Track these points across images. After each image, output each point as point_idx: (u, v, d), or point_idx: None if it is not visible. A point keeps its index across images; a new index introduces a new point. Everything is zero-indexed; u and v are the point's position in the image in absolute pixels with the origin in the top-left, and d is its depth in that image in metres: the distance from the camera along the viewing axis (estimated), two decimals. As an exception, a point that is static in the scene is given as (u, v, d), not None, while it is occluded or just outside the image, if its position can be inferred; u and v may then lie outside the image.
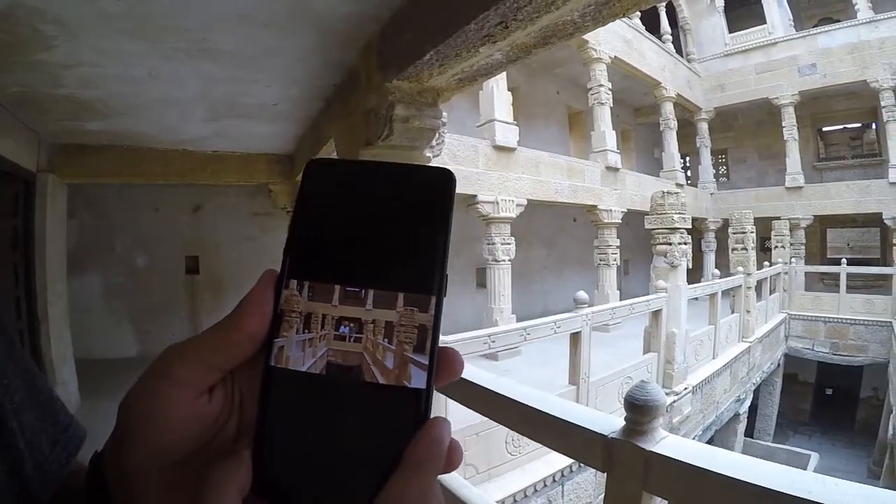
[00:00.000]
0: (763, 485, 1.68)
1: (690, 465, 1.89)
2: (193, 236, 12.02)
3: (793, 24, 22.23)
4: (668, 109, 20.87)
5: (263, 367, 0.46)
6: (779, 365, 17.51)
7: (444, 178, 0.50)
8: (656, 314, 9.19)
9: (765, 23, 22.36)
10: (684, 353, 9.45)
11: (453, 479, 3.83)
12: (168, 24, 3.51)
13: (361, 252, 0.47)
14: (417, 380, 0.44)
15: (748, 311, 13.40)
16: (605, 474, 2.27)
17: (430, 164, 0.66)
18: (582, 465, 6.15)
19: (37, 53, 3.90)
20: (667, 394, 8.75)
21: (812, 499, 1.57)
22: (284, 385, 0.45)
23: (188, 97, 5.25)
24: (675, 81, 21.20)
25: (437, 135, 3.78)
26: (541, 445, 5.50)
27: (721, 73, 23.74)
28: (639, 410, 2.10)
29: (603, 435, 2.21)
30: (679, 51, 23.06)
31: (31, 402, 0.63)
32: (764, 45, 22.33)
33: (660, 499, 2.14)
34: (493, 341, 5.43)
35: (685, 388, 9.27)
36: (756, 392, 15.30)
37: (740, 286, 13.14)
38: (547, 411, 2.54)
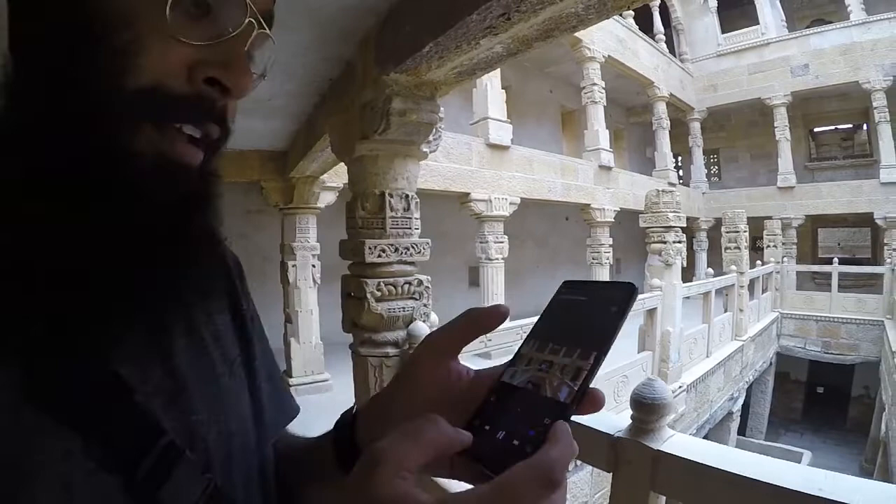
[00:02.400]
0: (775, 483, 1.68)
1: (700, 463, 1.88)
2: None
3: (785, 24, 22.29)
4: (661, 109, 20.88)
5: (497, 379, 0.66)
6: (771, 363, 17.58)
7: (631, 291, 0.66)
8: (651, 313, 9.18)
9: (757, 23, 22.45)
10: (679, 351, 9.44)
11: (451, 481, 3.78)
12: None
13: (566, 330, 0.66)
14: (566, 396, 0.58)
15: (741, 310, 13.40)
16: (610, 474, 2.22)
17: (623, 281, 0.78)
18: (579, 463, 6.10)
19: None
20: (661, 392, 8.81)
21: (823, 496, 1.58)
22: (501, 389, 0.64)
23: (182, 92, 5.16)
24: (668, 81, 21.25)
25: (434, 129, 3.74)
26: (537, 444, 5.47)
27: (713, 74, 23.84)
28: (646, 409, 2.07)
29: (608, 434, 2.18)
30: (672, 51, 23.10)
31: (268, 370, 0.88)
32: (756, 46, 22.43)
33: (665, 498, 2.11)
34: (490, 339, 5.38)
35: (680, 387, 9.26)
36: (749, 390, 15.37)
37: (733, 285, 13.17)
38: None
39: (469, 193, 11.45)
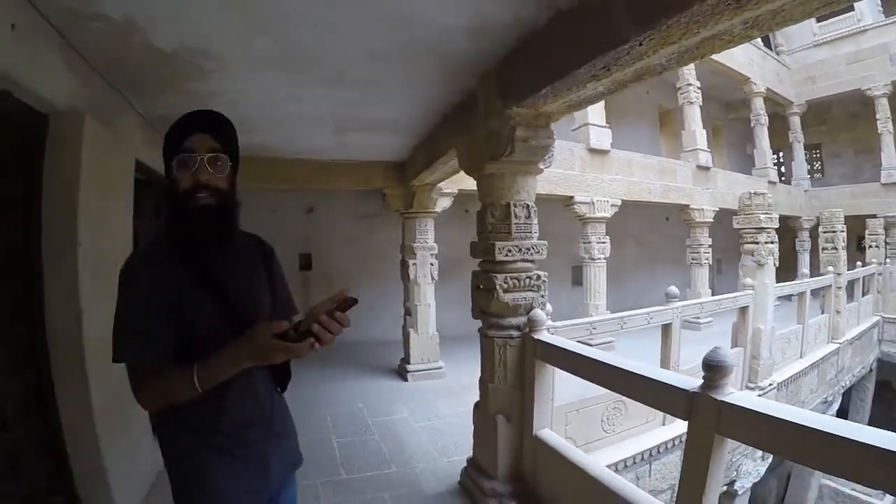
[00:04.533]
0: (809, 425, 2.31)
1: (752, 410, 2.58)
2: (306, 235, 13.06)
3: (881, 10, 20.88)
4: (759, 105, 20.21)
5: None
6: (871, 370, 16.27)
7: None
8: (743, 311, 9.39)
9: (853, 10, 20.91)
10: (770, 349, 9.63)
11: (559, 442, 4.47)
12: (312, 60, 4.18)
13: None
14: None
15: (838, 312, 13.08)
16: (687, 423, 2.98)
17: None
18: (668, 447, 6.63)
19: (193, 84, 4.59)
20: (751, 388, 9.14)
21: (852, 437, 2.13)
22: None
23: (319, 115, 5.94)
24: (764, 76, 20.49)
25: (548, 151, 4.51)
26: (633, 426, 6.14)
27: (810, 65, 22.54)
28: (713, 369, 2.82)
29: (686, 390, 2.95)
30: (767, 43, 22.22)
31: (284, 295, 2.35)
32: (853, 34, 21.13)
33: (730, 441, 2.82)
34: (594, 328, 6.03)
35: (770, 384, 9.48)
36: (846, 396, 14.71)
37: (830, 286, 12.82)
38: (643, 374, 3.33)
39: (573, 196, 11.88)
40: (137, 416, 4.51)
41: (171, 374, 1.80)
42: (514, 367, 4.70)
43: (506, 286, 4.51)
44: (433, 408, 8.07)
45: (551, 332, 4.85)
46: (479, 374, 4.98)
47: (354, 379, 9.73)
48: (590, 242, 12.45)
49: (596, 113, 12.70)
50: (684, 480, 3.01)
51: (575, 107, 4.08)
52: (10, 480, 3.09)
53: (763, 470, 9.13)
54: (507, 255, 4.52)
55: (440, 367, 9.88)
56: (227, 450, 1.99)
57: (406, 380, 9.60)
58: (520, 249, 4.56)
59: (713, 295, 13.90)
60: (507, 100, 4.07)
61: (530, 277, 4.64)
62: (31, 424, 3.39)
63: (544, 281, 4.74)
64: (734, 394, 2.77)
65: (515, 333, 4.67)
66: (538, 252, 4.70)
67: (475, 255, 4.88)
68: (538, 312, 4.63)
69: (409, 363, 9.77)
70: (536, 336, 4.55)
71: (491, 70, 4.28)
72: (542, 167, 4.70)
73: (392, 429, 7.18)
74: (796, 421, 2.35)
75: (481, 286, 4.72)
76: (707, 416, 2.79)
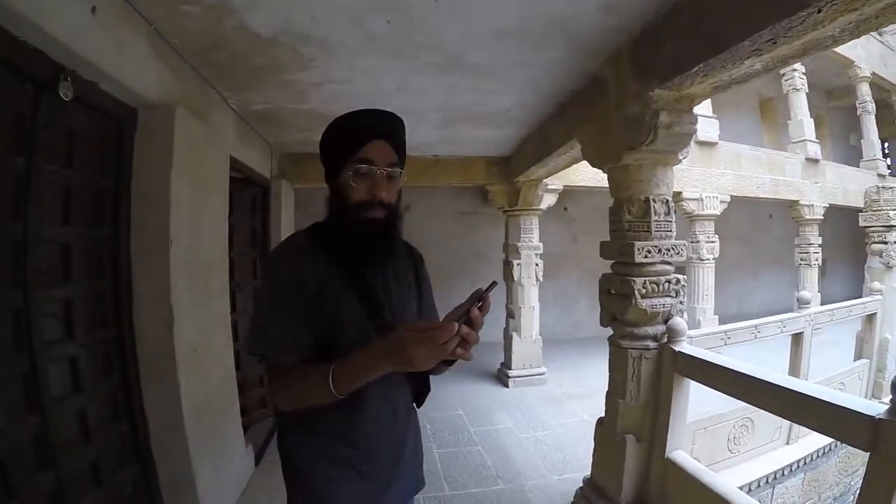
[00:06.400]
0: None
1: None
2: (403, 234, 12.61)
3: None
4: (865, 91, 18.28)
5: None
6: None
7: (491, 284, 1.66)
8: (870, 318, 8.60)
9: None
10: None
11: (696, 467, 4.03)
12: (428, 43, 3.83)
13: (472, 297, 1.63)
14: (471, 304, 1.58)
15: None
16: (869, 454, 2.53)
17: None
18: (793, 468, 6.13)
19: (291, 74, 4.34)
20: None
21: None
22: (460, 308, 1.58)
23: (427, 107, 5.62)
24: (869, 59, 18.62)
25: (690, 139, 4.07)
26: (757, 445, 5.62)
27: None
28: None
29: (870, 416, 2.48)
30: (869, 22, 20.47)
31: (429, 300, 2.24)
32: (960, 9, 19.12)
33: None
34: (728, 337, 5.60)
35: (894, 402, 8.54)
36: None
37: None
38: (814, 395, 2.85)
39: (681, 192, 11.27)
40: (229, 421, 4.74)
41: (308, 373, 1.69)
42: (648, 381, 4.27)
43: (644, 291, 4.09)
44: (538, 417, 7.69)
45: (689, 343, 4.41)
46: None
47: (452, 383, 9.38)
48: (698, 242, 11.78)
49: (703, 102, 11.80)
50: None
51: (722, 88, 3.56)
52: (94, 488, 3.04)
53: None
54: (646, 257, 4.09)
55: (542, 374, 9.49)
56: (353, 466, 1.89)
57: (507, 385, 9.27)
58: (659, 250, 4.13)
59: (821, 299, 13.34)
60: (647, 81, 3.64)
61: (669, 281, 4.19)
62: (115, 431, 3.36)
63: (683, 285, 4.30)
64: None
65: (652, 344, 4.24)
66: (678, 253, 4.26)
67: (607, 257, 4.48)
68: (678, 321, 4.19)
69: (510, 368, 9.44)
70: (676, 348, 4.12)
71: (623, 49, 3.89)
72: (680, 157, 4.26)
73: (496, 440, 6.84)
74: None
75: (613, 291, 4.31)
76: (894, 448, 2.37)
